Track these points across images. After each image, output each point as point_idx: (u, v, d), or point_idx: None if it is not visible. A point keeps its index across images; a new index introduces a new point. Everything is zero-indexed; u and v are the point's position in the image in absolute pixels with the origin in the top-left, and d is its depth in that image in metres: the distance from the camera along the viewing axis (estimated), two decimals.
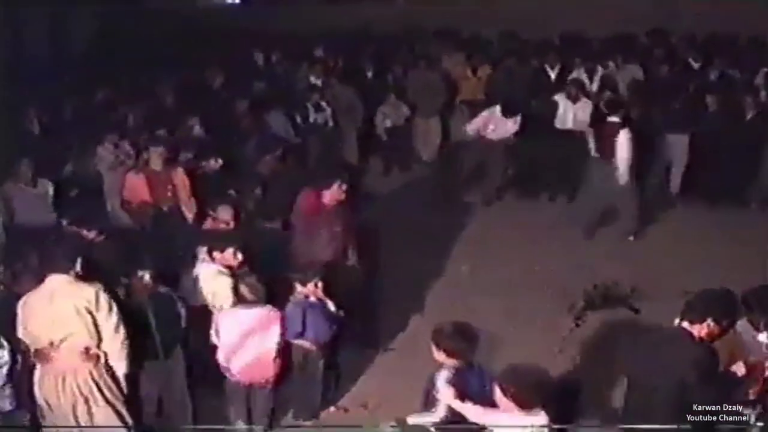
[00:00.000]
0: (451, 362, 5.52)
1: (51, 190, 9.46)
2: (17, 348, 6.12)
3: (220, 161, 9.91)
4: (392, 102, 13.87)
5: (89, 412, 6.05)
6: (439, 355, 5.56)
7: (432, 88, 13.84)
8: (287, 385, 7.28)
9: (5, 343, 6.08)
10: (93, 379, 6.03)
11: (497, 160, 12.42)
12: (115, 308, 5.99)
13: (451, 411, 5.31)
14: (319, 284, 7.20)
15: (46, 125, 11.66)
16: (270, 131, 11.72)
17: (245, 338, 6.75)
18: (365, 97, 13.73)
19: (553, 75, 13.98)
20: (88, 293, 5.90)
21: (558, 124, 12.20)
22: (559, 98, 12.25)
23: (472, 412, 5.13)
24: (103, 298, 5.93)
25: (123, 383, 6.21)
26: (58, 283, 5.96)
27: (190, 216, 9.29)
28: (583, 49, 15.12)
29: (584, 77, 13.58)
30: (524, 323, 8.52)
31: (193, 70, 14.27)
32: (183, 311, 6.80)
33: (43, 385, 6.02)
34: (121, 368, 6.13)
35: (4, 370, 6.07)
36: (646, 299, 8.82)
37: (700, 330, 5.27)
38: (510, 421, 4.91)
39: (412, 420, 5.40)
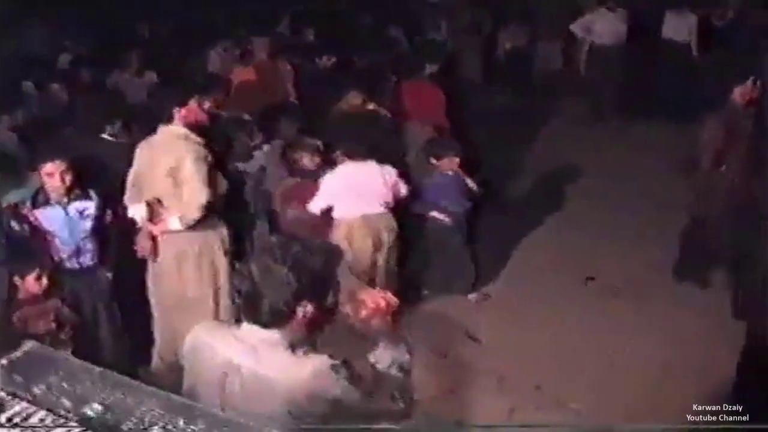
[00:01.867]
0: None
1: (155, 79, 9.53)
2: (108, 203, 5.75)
3: (334, 59, 9.65)
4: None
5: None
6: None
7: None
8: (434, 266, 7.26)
9: (94, 196, 5.65)
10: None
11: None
12: (200, 177, 5.43)
13: None
14: (456, 158, 7.01)
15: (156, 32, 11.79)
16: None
17: None
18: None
19: None
20: (176, 155, 5.43)
21: None
22: None
23: None
24: (188, 165, 5.40)
25: None
26: (163, 134, 5.55)
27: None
28: None
29: None
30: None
31: None
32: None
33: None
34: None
35: (89, 223, 5.63)
36: None
37: None
38: None
39: None
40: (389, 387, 2.81)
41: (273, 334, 2.72)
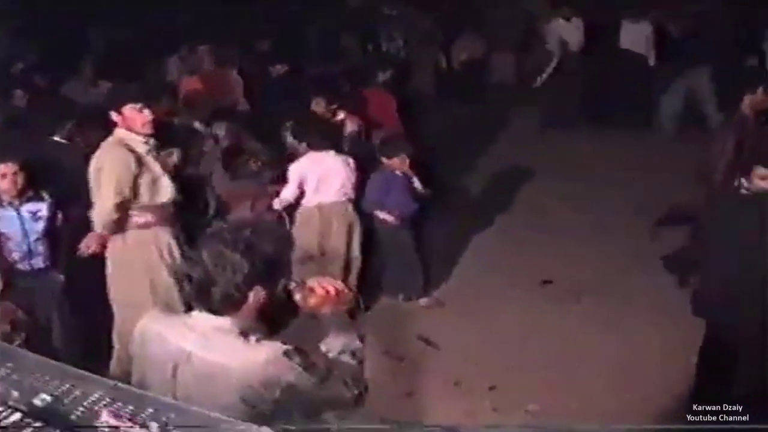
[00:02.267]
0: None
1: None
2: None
3: (286, 67, 9.78)
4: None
5: None
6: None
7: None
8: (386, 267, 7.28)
9: (47, 197, 5.61)
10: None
11: None
12: (109, 187, 5.34)
13: None
14: (407, 159, 7.00)
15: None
16: None
17: None
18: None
19: None
20: (96, 163, 5.39)
21: None
22: None
23: None
24: (101, 174, 5.35)
25: None
26: (107, 140, 5.50)
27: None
28: None
29: None
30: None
31: None
32: None
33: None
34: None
35: (41, 225, 5.58)
36: None
37: None
38: None
39: None
40: (341, 374, 2.78)
41: (225, 322, 2.70)
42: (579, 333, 6.58)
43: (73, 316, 5.79)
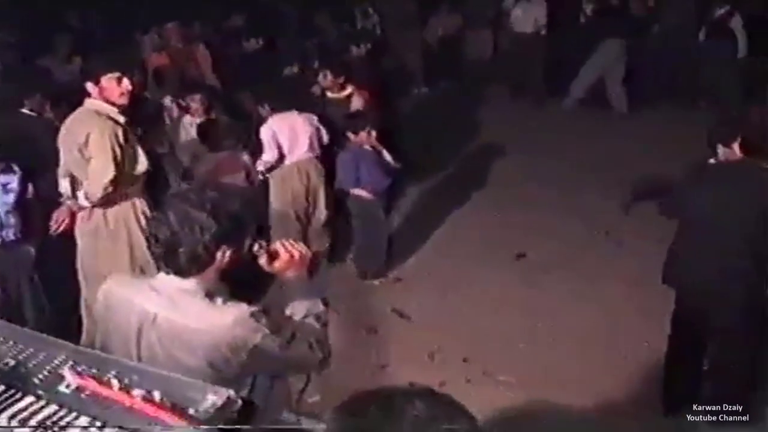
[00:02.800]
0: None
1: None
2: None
3: (261, 42, 9.75)
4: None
5: None
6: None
7: None
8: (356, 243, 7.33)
9: (17, 170, 5.56)
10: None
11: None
12: (107, 153, 5.28)
13: None
14: (373, 132, 6.94)
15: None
16: None
17: None
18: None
19: None
20: (81, 131, 5.30)
21: None
22: None
23: None
24: (94, 139, 5.26)
25: None
26: (80, 110, 5.42)
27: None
28: None
29: None
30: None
31: None
32: None
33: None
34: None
35: (12, 197, 5.52)
36: None
37: None
38: None
39: None
40: (306, 337, 2.79)
41: (190, 283, 2.71)
42: (550, 305, 6.63)
43: (44, 289, 5.77)
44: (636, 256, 7.24)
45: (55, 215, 5.58)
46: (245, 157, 6.95)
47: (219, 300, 2.71)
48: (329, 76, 7.62)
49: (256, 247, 2.86)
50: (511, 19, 12.42)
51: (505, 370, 5.78)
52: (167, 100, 7.48)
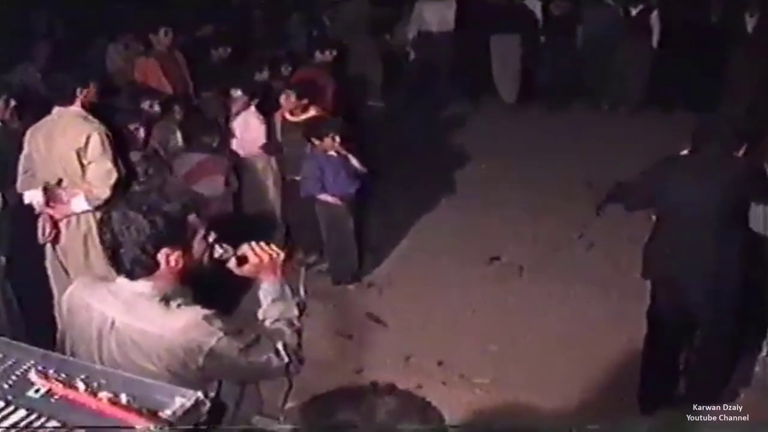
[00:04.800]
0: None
1: None
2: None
3: (229, 50, 9.64)
4: None
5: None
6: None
7: None
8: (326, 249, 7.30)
9: None
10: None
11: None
12: (108, 154, 5.35)
13: None
14: (337, 138, 6.88)
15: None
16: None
17: None
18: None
19: None
20: (80, 134, 5.32)
21: None
22: None
23: None
24: (95, 141, 5.30)
25: None
26: (61, 116, 5.43)
27: None
28: None
29: None
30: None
31: None
32: None
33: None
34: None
35: None
36: None
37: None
38: None
39: None
40: (274, 342, 2.76)
41: (146, 287, 2.69)
42: (524, 307, 6.66)
43: (15, 296, 5.70)
44: (608, 257, 7.30)
45: (41, 226, 5.53)
46: (225, 161, 6.94)
47: (174, 304, 2.68)
48: (292, 98, 7.44)
49: (220, 251, 2.84)
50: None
51: (481, 372, 5.79)
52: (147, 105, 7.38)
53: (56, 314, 5.38)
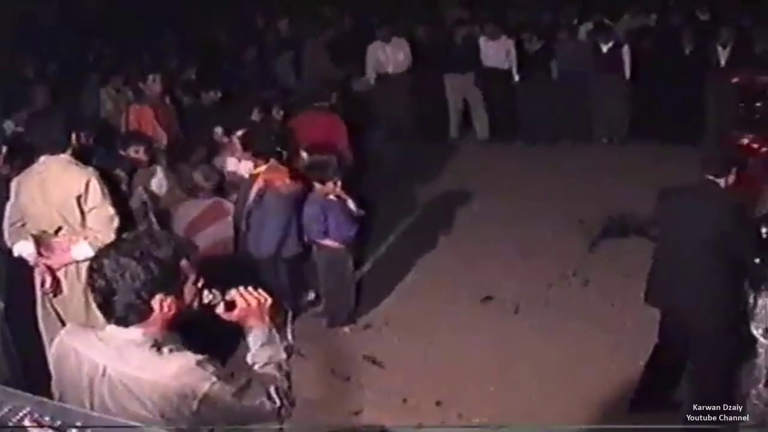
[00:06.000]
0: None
1: None
2: None
3: (219, 93, 9.74)
4: None
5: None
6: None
7: None
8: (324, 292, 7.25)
9: None
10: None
11: None
12: (108, 198, 5.35)
13: None
14: (339, 182, 6.88)
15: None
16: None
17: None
18: None
19: None
20: (79, 180, 5.29)
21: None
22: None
23: None
24: (95, 186, 5.29)
25: None
26: (53, 164, 5.38)
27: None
28: None
29: None
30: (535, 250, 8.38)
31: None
32: None
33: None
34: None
35: None
36: None
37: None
38: None
39: None
40: (265, 386, 2.75)
41: (137, 334, 2.67)
42: (519, 346, 6.62)
43: (14, 342, 5.67)
44: (604, 293, 7.30)
45: (38, 278, 5.48)
46: (228, 203, 6.91)
47: (166, 350, 2.66)
48: (241, 151, 7.31)
49: (209, 297, 2.83)
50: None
51: (479, 411, 5.75)
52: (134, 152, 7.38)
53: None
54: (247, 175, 7.04)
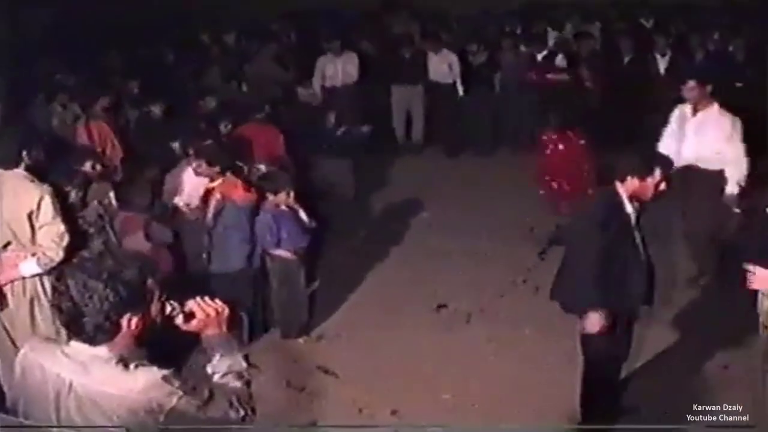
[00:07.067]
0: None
1: None
2: None
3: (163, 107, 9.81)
4: None
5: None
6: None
7: None
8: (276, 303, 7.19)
9: None
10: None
11: None
12: (60, 216, 5.31)
13: None
14: (291, 193, 6.94)
15: None
16: None
17: None
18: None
19: None
20: (32, 197, 5.26)
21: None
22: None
23: None
24: (47, 203, 5.26)
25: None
26: (6, 180, 5.36)
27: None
28: None
29: None
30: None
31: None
32: None
33: None
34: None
35: None
36: None
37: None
38: None
39: None
40: (227, 395, 2.78)
41: (102, 350, 2.69)
42: (473, 353, 6.69)
43: None
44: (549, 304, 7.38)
45: None
46: (143, 218, 6.88)
47: (132, 365, 2.68)
48: (203, 166, 6.95)
49: (168, 309, 2.84)
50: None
51: (434, 419, 5.78)
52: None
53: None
54: (200, 192, 7.05)
